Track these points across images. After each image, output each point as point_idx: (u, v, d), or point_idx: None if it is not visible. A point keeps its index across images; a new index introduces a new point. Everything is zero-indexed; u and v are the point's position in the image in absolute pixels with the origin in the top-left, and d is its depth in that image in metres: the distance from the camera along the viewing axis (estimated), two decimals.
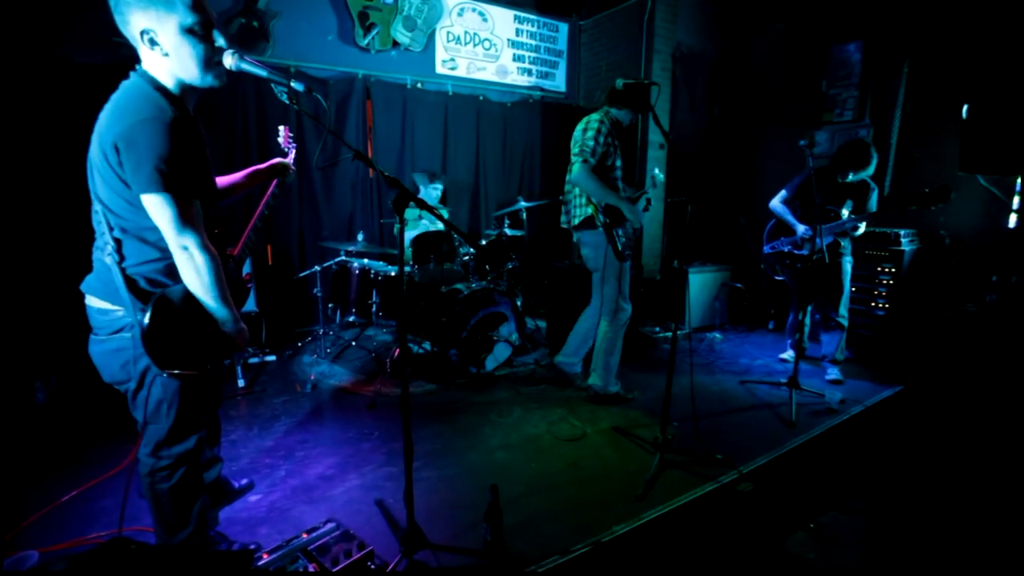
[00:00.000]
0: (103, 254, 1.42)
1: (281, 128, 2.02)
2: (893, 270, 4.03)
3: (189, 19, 1.35)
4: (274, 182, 1.94)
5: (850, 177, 3.44)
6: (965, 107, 3.62)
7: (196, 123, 1.49)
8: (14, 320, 2.92)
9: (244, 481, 2.27)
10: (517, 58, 5.46)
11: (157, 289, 1.43)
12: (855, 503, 2.40)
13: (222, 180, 1.79)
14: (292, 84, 1.58)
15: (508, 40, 5.37)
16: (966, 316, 3.73)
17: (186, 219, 1.35)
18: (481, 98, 5.19)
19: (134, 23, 1.34)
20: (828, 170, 3.56)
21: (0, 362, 2.81)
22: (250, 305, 3.35)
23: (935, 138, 4.17)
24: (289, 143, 2.01)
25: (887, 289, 4.07)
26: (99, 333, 1.47)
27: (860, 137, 3.43)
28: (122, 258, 1.41)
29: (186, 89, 1.46)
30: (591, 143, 2.84)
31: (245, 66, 1.50)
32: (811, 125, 4.87)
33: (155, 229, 1.39)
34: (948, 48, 4.10)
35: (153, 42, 1.36)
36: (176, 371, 1.42)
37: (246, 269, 3.17)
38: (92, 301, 1.47)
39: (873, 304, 4.12)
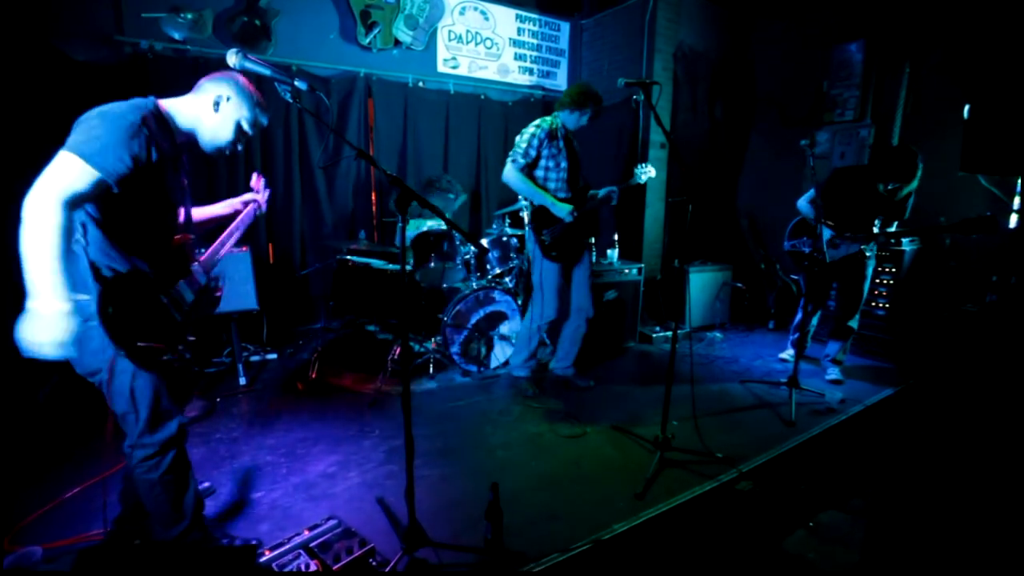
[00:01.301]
0: (73, 242, 1.44)
1: (254, 175, 2.04)
2: (893, 270, 4.03)
3: (251, 130, 1.65)
4: (252, 207, 1.97)
5: (891, 187, 3.22)
6: (966, 107, 3.62)
7: (177, 158, 1.59)
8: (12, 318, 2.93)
9: (205, 484, 2.26)
10: (519, 57, 5.46)
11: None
12: (855, 502, 2.41)
13: (201, 211, 1.87)
14: (296, 83, 1.59)
15: (510, 39, 5.37)
16: (966, 316, 3.73)
17: (67, 184, 1.30)
18: (483, 97, 5.19)
19: (217, 91, 1.59)
20: (864, 173, 3.36)
21: (2, 361, 2.82)
22: (251, 303, 3.36)
23: (936, 138, 4.17)
24: (261, 188, 2.04)
25: (887, 289, 4.07)
26: None
27: (906, 144, 3.22)
28: (87, 243, 1.43)
29: (191, 139, 1.61)
30: (523, 146, 3.10)
31: (249, 65, 1.53)
32: (812, 125, 4.87)
33: (119, 223, 1.44)
34: (949, 48, 4.10)
35: (217, 105, 1.59)
36: (136, 345, 1.43)
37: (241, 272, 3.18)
38: None
39: (874, 304, 4.12)
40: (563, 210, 3.10)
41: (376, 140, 4.71)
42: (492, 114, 5.26)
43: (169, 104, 1.56)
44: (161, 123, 1.51)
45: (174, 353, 1.54)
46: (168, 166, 1.54)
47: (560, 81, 5.78)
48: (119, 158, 1.35)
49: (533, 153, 3.10)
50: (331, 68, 4.42)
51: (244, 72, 1.58)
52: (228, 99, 1.59)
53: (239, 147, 1.66)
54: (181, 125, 1.58)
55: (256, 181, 2.02)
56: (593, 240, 4.41)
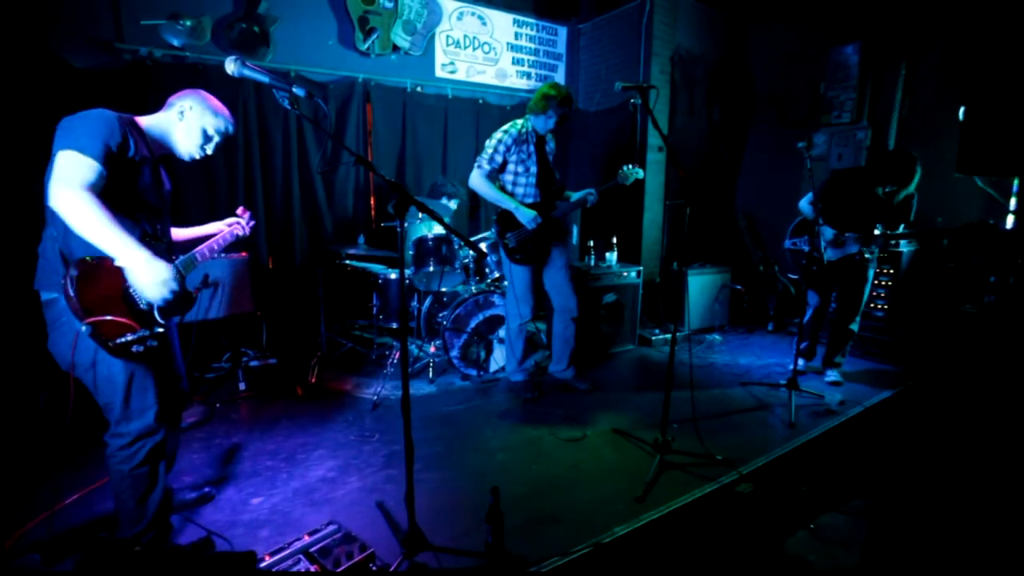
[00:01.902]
0: (45, 236, 1.58)
1: (240, 208, 2.20)
2: (891, 271, 4.04)
3: (217, 136, 1.84)
4: (235, 227, 2.12)
5: (888, 190, 3.21)
6: (962, 109, 3.64)
7: (155, 165, 1.74)
8: (17, 324, 2.93)
9: (206, 490, 2.24)
10: (516, 61, 5.47)
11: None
12: (855, 504, 2.41)
13: (191, 231, 2.05)
14: (293, 89, 1.60)
15: (507, 44, 5.39)
16: (964, 317, 3.74)
17: (78, 174, 1.45)
18: (481, 101, 5.20)
19: (181, 104, 1.78)
20: (862, 176, 3.35)
21: (3, 367, 2.82)
22: (249, 308, 3.36)
23: (933, 140, 4.19)
24: (246, 219, 2.19)
25: (886, 290, 4.08)
26: (49, 324, 1.60)
27: (904, 148, 3.24)
28: (61, 232, 1.53)
29: (165, 148, 1.78)
30: (489, 152, 3.15)
31: (247, 72, 1.56)
32: (810, 127, 4.89)
33: None
34: (946, 50, 4.12)
35: (182, 114, 1.77)
36: (94, 319, 1.48)
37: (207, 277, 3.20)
38: (43, 295, 1.60)
39: (872, 305, 4.13)
40: (527, 216, 3.10)
41: (375, 145, 4.72)
42: (491, 118, 5.26)
43: (142, 119, 1.74)
44: (136, 128, 1.67)
45: (139, 330, 1.57)
46: (145, 167, 1.67)
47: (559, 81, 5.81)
48: (104, 144, 1.51)
49: (499, 159, 3.13)
50: (330, 74, 4.43)
51: (243, 79, 1.61)
52: (191, 108, 1.78)
53: (208, 151, 1.85)
54: (155, 135, 1.76)
55: (242, 211, 2.20)
56: (592, 243, 4.43)
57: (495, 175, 3.19)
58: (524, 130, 3.15)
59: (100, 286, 1.52)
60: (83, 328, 1.46)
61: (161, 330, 1.66)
